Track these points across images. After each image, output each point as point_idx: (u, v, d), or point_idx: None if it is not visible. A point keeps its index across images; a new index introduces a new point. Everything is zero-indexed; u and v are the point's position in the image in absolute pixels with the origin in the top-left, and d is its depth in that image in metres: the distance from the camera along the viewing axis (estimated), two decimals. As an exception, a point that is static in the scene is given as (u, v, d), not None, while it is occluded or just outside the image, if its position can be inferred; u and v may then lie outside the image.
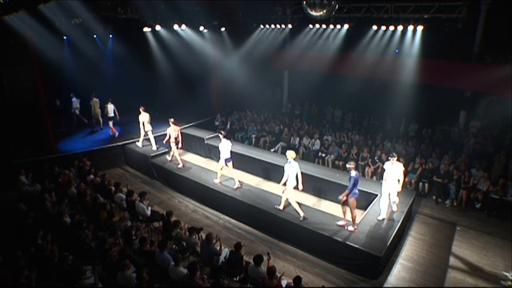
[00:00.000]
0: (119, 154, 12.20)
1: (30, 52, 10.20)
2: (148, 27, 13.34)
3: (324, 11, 8.31)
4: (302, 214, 7.63)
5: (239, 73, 15.70)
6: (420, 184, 9.98)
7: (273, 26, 14.57)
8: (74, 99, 13.55)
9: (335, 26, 13.17)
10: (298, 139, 12.77)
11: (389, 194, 7.58)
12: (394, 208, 7.91)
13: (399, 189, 7.62)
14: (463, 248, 7.60)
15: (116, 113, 12.87)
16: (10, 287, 5.12)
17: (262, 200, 8.47)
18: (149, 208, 7.81)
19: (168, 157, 11.03)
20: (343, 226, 7.30)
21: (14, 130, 10.36)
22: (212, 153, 12.48)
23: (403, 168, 7.59)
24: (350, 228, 7.21)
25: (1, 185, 9.33)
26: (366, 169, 10.75)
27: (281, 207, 7.98)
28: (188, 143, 13.27)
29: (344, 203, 7.20)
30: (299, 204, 7.80)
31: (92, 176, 9.37)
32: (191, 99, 16.54)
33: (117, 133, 12.85)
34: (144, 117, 11.08)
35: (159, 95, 16.43)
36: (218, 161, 10.73)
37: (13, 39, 9.81)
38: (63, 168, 9.54)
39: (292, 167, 7.50)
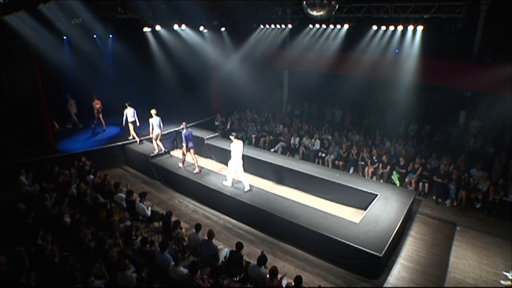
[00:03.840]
0: (119, 154, 12.19)
1: (30, 52, 10.19)
2: (148, 27, 13.33)
3: (324, 11, 8.31)
4: (156, 150, 11.04)
5: (239, 73, 15.69)
6: (420, 184, 9.98)
7: (273, 26, 14.58)
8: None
9: (335, 26, 13.17)
10: (298, 139, 12.77)
11: (236, 172, 9.01)
12: (247, 188, 8.93)
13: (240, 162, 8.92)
14: (463, 248, 7.61)
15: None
16: (10, 287, 5.13)
17: (262, 200, 8.47)
18: (149, 208, 7.82)
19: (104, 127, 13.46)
20: (198, 172, 9.96)
21: (14, 130, 10.36)
22: (212, 153, 12.48)
23: (242, 144, 8.97)
24: (196, 170, 9.98)
25: (1, 185, 9.33)
26: (366, 169, 10.75)
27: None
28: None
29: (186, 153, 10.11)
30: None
31: (92, 176, 9.37)
32: (191, 99, 16.53)
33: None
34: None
35: (159, 95, 16.41)
36: (216, 160, 11.11)
37: (13, 39, 9.80)
38: (63, 168, 9.54)
39: (155, 120, 10.67)
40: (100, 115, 13.31)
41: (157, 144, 11.16)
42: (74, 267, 5.54)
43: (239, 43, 15.49)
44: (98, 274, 5.48)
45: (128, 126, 11.87)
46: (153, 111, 10.74)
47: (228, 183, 9.22)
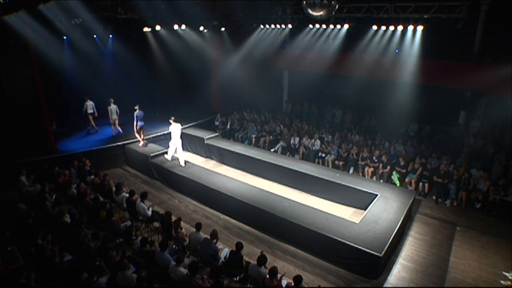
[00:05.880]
0: (119, 154, 12.20)
1: (30, 52, 10.20)
2: (148, 27, 13.34)
3: (324, 11, 8.28)
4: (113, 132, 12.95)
5: (239, 73, 15.69)
6: (420, 184, 9.98)
7: (273, 26, 14.57)
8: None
9: (335, 26, 13.17)
10: (298, 139, 12.77)
11: (176, 150, 10.64)
12: (182, 164, 10.53)
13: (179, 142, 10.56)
14: (463, 248, 7.61)
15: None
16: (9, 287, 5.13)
17: (262, 200, 8.46)
18: (151, 209, 7.81)
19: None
20: (143, 145, 11.80)
21: (14, 130, 10.37)
22: (212, 153, 12.49)
23: (180, 126, 10.54)
24: (141, 143, 11.82)
25: (1, 185, 9.32)
26: (366, 169, 10.75)
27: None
28: (188, 143, 13.28)
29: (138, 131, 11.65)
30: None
31: (92, 176, 9.37)
32: (191, 99, 16.55)
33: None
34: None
35: (159, 95, 16.43)
36: (216, 160, 11.77)
37: (13, 39, 9.80)
38: (63, 168, 9.54)
39: (113, 107, 12.60)
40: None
41: (114, 128, 13.01)
42: (79, 268, 5.53)
43: (239, 43, 15.48)
44: (100, 272, 5.49)
45: (88, 117, 13.20)
46: (111, 100, 12.68)
47: (168, 157, 10.92)
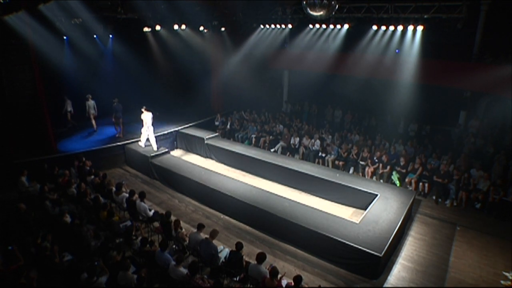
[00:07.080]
0: (119, 154, 12.20)
1: (30, 52, 10.19)
2: (148, 27, 13.33)
3: (324, 11, 8.28)
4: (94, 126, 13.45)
5: (239, 73, 15.69)
6: (420, 184, 9.98)
7: (273, 26, 14.56)
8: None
9: (335, 26, 13.17)
10: (298, 139, 12.77)
11: (148, 136, 11.52)
12: (155, 148, 11.51)
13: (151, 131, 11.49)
14: (463, 248, 7.61)
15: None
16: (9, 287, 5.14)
17: (262, 200, 8.46)
18: (152, 210, 7.80)
19: None
20: (120, 136, 12.72)
21: (14, 130, 10.36)
22: (212, 153, 12.49)
23: (151, 115, 11.26)
24: (120, 134, 12.78)
25: (1, 185, 9.32)
26: (366, 169, 10.75)
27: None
28: (188, 143, 13.29)
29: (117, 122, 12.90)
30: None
31: (92, 177, 9.37)
32: (191, 99, 16.55)
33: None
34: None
35: (159, 95, 16.40)
36: (216, 160, 11.80)
37: (13, 39, 9.80)
38: (63, 168, 9.54)
39: (91, 103, 13.18)
40: None
41: (93, 122, 13.47)
42: (79, 268, 5.53)
43: (239, 43, 15.48)
44: (100, 272, 5.49)
45: (66, 115, 13.67)
46: (89, 96, 13.19)
47: (141, 144, 11.76)
